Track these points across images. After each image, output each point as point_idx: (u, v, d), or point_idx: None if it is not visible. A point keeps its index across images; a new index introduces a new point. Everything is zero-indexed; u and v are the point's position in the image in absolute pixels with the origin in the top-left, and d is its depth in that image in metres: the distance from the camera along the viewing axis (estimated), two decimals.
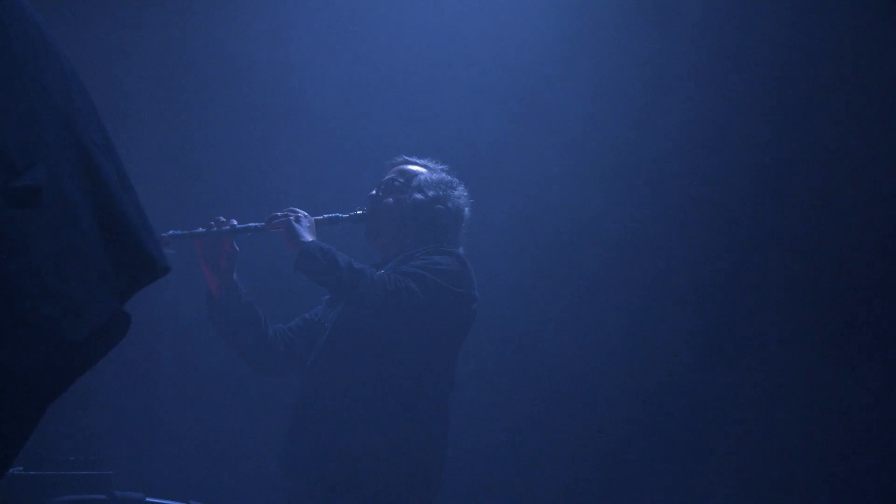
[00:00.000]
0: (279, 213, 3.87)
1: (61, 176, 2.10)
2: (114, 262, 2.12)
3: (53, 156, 2.10)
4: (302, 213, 3.87)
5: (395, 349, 3.75)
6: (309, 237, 3.77)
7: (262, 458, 4.76)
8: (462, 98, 5.44)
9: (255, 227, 3.90)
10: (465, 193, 4.05)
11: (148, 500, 4.18)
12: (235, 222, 3.92)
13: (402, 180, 4.02)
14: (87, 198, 2.12)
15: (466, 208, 4.04)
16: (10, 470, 4.18)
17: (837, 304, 5.35)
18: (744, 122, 5.42)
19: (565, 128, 5.45)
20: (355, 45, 5.44)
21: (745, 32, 5.39)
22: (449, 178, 4.05)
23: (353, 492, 3.69)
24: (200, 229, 3.91)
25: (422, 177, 4.02)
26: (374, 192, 4.05)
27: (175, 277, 5.01)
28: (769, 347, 5.37)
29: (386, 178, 4.06)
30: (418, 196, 3.97)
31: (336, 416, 3.73)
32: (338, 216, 3.98)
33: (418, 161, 4.09)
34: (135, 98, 5.37)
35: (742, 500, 5.33)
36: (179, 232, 3.89)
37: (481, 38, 5.46)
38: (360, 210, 4.02)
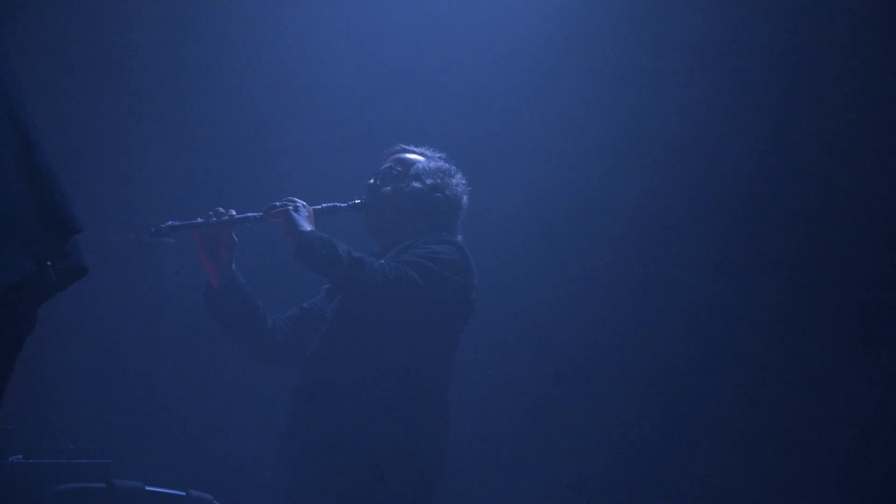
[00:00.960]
0: (277, 203, 3.85)
1: None
2: (39, 224, 2.13)
3: None
4: (300, 202, 3.85)
5: (395, 338, 3.75)
6: (308, 227, 3.76)
7: (261, 448, 4.77)
8: (462, 86, 5.43)
9: (254, 217, 3.89)
10: (464, 181, 4.05)
11: (147, 488, 4.19)
12: (234, 212, 3.89)
13: (399, 169, 4.01)
14: (18, 160, 2.13)
15: (465, 196, 4.03)
16: (10, 458, 4.19)
17: (847, 296, 5.35)
18: (748, 114, 5.40)
19: (566, 120, 5.45)
20: (353, 34, 5.43)
21: (747, 24, 5.39)
22: (447, 165, 4.04)
23: (352, 482, 3.70)
24: (199, 220, 3.89)
25: (419, 165, 4.01)
26: (372, 180, 4.04)
27: (174, 268, 5.07)
28: (778, 340, 5.37)
29: (384, 166, 4.05)
30: (416, 185, 3.97)
31: (336, 407, 3.73)
32: (336, 205, 3.97)
33: (416, 149, 4.08)
34: (132, 88, 5.37)
35: (749, 497, 5.33)
36: (178, 223, 3.86)
37: (483, 27, 5.45)
38: (358, 199, 4.00)
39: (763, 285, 5.41)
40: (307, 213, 3.83)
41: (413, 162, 4.03)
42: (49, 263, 2.17)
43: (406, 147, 4.08)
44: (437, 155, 4.08)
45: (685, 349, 5.38)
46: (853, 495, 5.22)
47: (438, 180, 3.98)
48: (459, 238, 3.98)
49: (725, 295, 5.42)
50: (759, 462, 5.32)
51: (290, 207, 3.82)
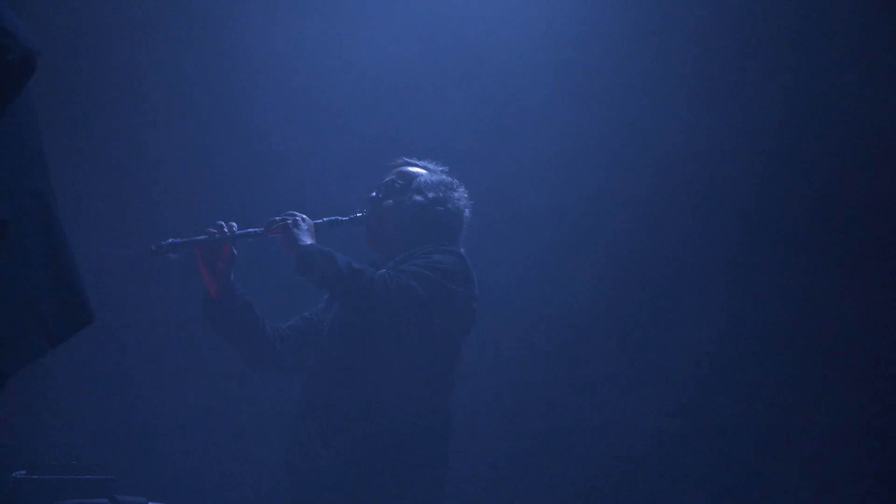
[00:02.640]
0: (278, 218, 3.86)
1: (22, 216, 2.15)
2: (58, 308, 2.15)
3: (15, 197, 2.16)
4: (300, 216, 3.85)
5: (395, 348, 3.75)
6: (308, 240, 3.76)
7: (264, 462, 4.77)
8: (463, 99, 5.43)
9: (255, 232, 3.89)
10: (465, 195, 4.04)
11: None
12: (235, 226, 3.91)
13: (401, 182, 4.01)
14: (42, 241, 2.18)
15: (467, 209, 4.03)
16: (13, 474, 4.20)
17: (853, 298, 5.33)
18: (756, 114, 5.40)
19: (575, 124, 5.46)
20: (355, 46, 5.42)
21: (753, 24, 5.40)
22: (449, 179, 4.04)
23: (355, 493, 3.69)
24: (200, 236, 3.89)
25: (421, 178, 4.01)
26: (373, 194, 4.04)
27: (177, 281, 5.07)
28: (781, 356, 5.36)
29: (386, 179, 4.05)
30: (418, 198, 3.97)
31: (338, 417, 3.73)
32: (337, 219, 3.97)
33: (418, 163, 4.09)
34: (133, 101, 5.39)
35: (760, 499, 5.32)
36: (178, 240, 3.87)
37: (480, 38, 5.46)
38: (359, 213, 4.01)
39: (771, 287, 5.39)
40: (307, 227, 3.83)
41: (415, 175, 4.03)
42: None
43: (409, 160, 4.09)
44: (440, 168, 4.08)
45: (692, 353, 5.36)
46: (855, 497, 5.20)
47: (440, 194, 3.98)
48: (462, 250, 3.96)
49: (732, 296, 5.40)
50: (771, 464, 5.30)
51: (290, 222, 3.82)
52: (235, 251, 3.93)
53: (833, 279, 5.33)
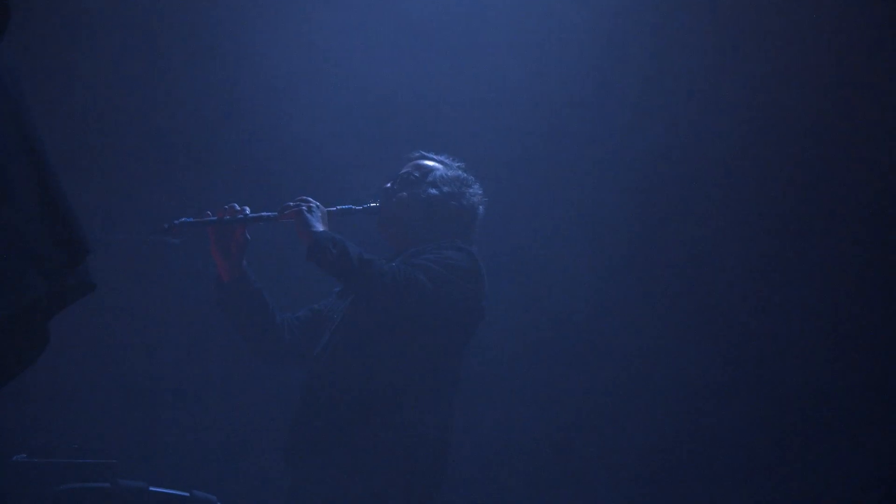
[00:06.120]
0: (291, 203, 3.86)
1: (5, 157, 2.11)
2: (51, 243, 2.13)
3: None
4: (314, 202, 3.85)
5: (401, 341, 3.74)
6: (320, 227, 3.76)
7: (265, 448, 4.77)
8: (480, 97, 5.42)
9: (268, 216, 3.89)
10: (480, 192, 4.05)
11: (151, 489, 4.19)
12: (248, 210, 3.91)
13: (417, 174, 4.01)
14: (29, 177, 2.14)
15: (481, 207, 4.03)
16: (14, 457, 4.19)
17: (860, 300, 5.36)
18: (773, 114, 5.41)
19: (576, 134, 5.46)
20: (375, 38, 5.41)
21: (758, 25, 5.40)
22: (465, 175, 4.05)
23: (354, 483, 3.69)
24: (213, 217, 3.90)
25: (438, 172, 4.01)
26: (388, 184, 4.04)
27: (179, 268, 5.06)
28: (792, 360, 5.37)
29: (402, 171, 4.05)
30: (433, 191, 3.97)
31: (340, 407, 3.73)
32: (351, 208, 3.97)
33: (435, 157, 4.09)
34: (150, 86, 5.36)
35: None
36: (191, 219, 3.88)
37: (501, 39, 5.45)
38: (373, 203, 4.01)
39: (780, 291, 5.41)
40: (321, 214, 3.83)
41: (432, 169, 4.03)
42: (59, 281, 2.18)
43: (426, 154, 4.09)
44: (457, 164, 4.09)
45: (703, 358, 5.39)
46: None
47: (455, 189, 3.99)
48: (474, 248, 3.96)
49: (740, 298, 5.42)
50: (776, 467, 5.34)
51: (304, 208, 3.82)
52: (248, 236, 3.93)
53: (850, 278, 5.35)
